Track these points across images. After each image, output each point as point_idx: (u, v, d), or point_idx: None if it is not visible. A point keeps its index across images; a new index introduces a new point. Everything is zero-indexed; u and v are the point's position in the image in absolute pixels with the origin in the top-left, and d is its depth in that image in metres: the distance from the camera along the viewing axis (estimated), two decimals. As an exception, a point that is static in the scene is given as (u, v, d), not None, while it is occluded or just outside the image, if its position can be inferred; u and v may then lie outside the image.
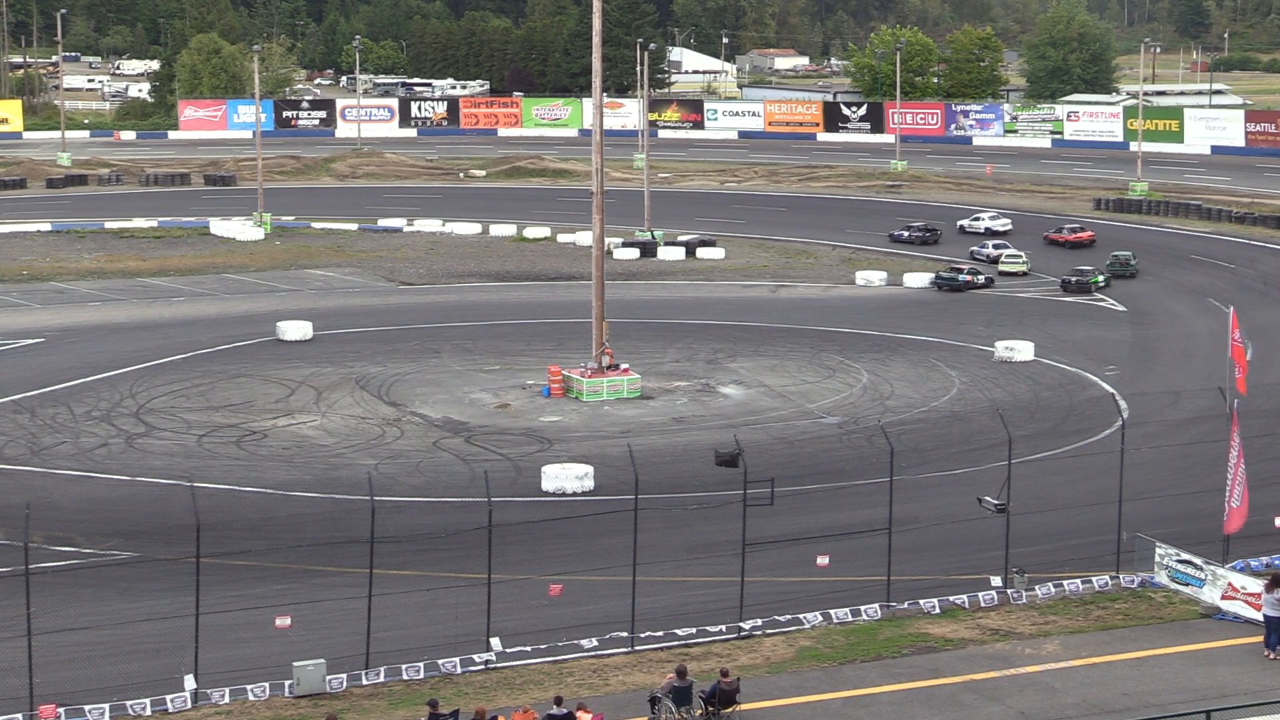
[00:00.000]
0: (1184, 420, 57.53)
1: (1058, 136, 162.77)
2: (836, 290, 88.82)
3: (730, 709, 31.08)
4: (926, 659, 34.85)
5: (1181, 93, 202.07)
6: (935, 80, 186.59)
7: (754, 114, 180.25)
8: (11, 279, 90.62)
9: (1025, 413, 58.81)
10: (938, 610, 37.80)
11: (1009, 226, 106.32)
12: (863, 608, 37.52)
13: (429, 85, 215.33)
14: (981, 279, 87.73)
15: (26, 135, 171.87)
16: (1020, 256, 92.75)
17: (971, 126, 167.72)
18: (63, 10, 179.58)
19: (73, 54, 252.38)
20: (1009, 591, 38.78)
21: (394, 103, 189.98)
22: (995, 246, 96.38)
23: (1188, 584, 38.68)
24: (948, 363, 68.03)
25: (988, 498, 41.17)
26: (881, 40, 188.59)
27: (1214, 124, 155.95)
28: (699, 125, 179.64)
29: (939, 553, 42.35)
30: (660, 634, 35.87)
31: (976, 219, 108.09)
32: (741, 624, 36.36)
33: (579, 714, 29.90)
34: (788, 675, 33.83)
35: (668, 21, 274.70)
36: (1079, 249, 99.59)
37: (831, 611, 37.31)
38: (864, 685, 33.32)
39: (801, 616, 37.03)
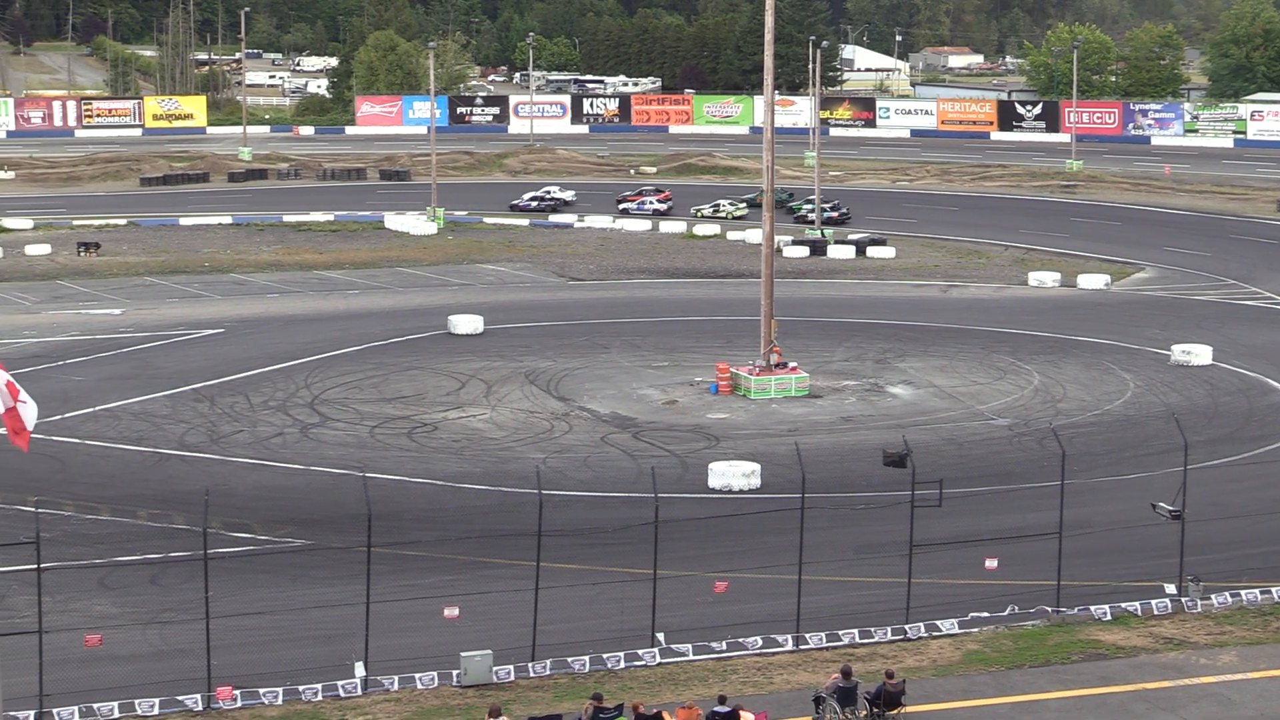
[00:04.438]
0: (1369, 428, 55.91)
1: (1240, 136, 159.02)
2: (1008, 291, 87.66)
3: (895, 711, 30.85)
4: (1097, 666, 34.30)
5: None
6: (1113, 79, 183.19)
7: (927, 112, 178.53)
8: (194, 270, 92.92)
9: (1202, 418, 57.54)
10: (1109, 617, 37.17)
11: (574, 196, 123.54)
12: (1032, 611, 37.05)
13: (601, 82, 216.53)
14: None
15: (210, 130, 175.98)
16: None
17: (1150, 126, 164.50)
18: (246, 9, 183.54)
19: (255, 51, 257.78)
20: (1184, 600, 38.01)
21: (566, 99, 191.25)
22: (659, 200, 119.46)
23: (1371, 597, 37.61)
24: (1122, 366, 66.79)
25: (1162, 504, 40.43)
26: (1058, 38, 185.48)
27: None
28: (871, 124, 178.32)
29: (1111, 558, 41.63)
30: (825, 634, 35.75)
31: (549, 191, 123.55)
32: (907, 626, 36.10)
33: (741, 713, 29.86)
34: (954, 678, 33.51)
35: (840, 19, 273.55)
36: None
37: (1000, 615, 36.89)
38: (1032, 691, 32.89)
39: (969, 619, 36.67)
